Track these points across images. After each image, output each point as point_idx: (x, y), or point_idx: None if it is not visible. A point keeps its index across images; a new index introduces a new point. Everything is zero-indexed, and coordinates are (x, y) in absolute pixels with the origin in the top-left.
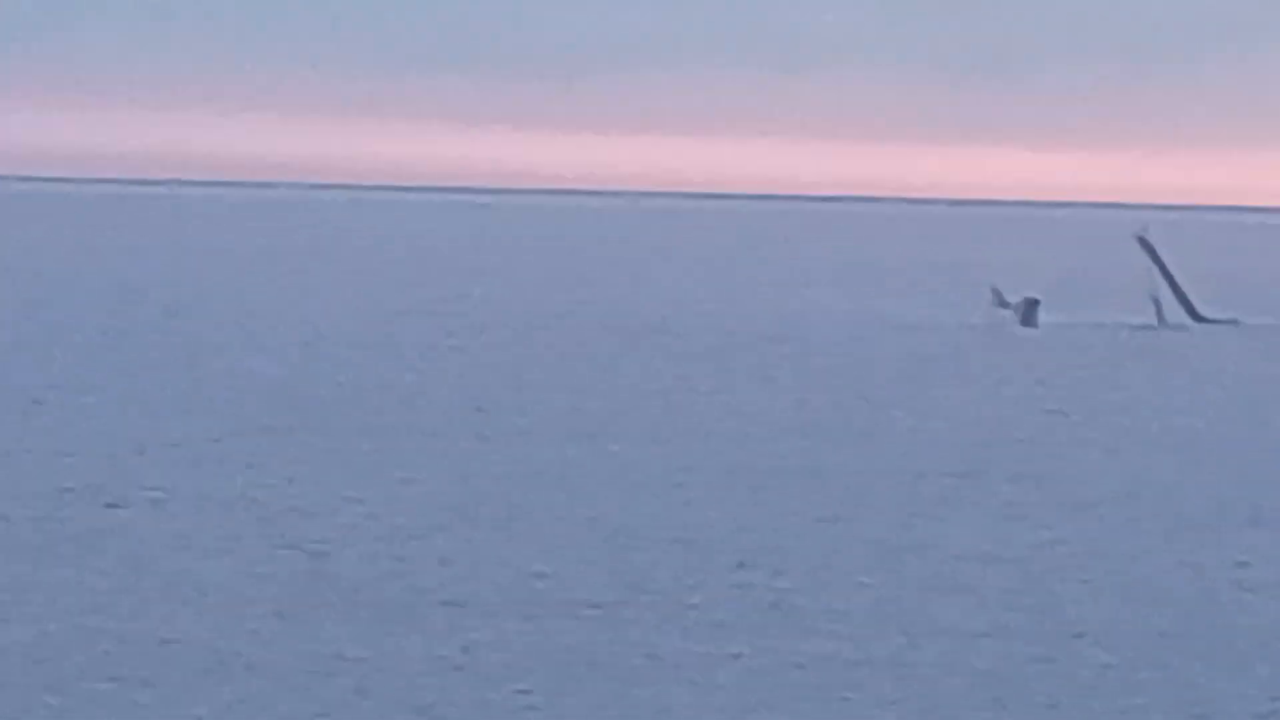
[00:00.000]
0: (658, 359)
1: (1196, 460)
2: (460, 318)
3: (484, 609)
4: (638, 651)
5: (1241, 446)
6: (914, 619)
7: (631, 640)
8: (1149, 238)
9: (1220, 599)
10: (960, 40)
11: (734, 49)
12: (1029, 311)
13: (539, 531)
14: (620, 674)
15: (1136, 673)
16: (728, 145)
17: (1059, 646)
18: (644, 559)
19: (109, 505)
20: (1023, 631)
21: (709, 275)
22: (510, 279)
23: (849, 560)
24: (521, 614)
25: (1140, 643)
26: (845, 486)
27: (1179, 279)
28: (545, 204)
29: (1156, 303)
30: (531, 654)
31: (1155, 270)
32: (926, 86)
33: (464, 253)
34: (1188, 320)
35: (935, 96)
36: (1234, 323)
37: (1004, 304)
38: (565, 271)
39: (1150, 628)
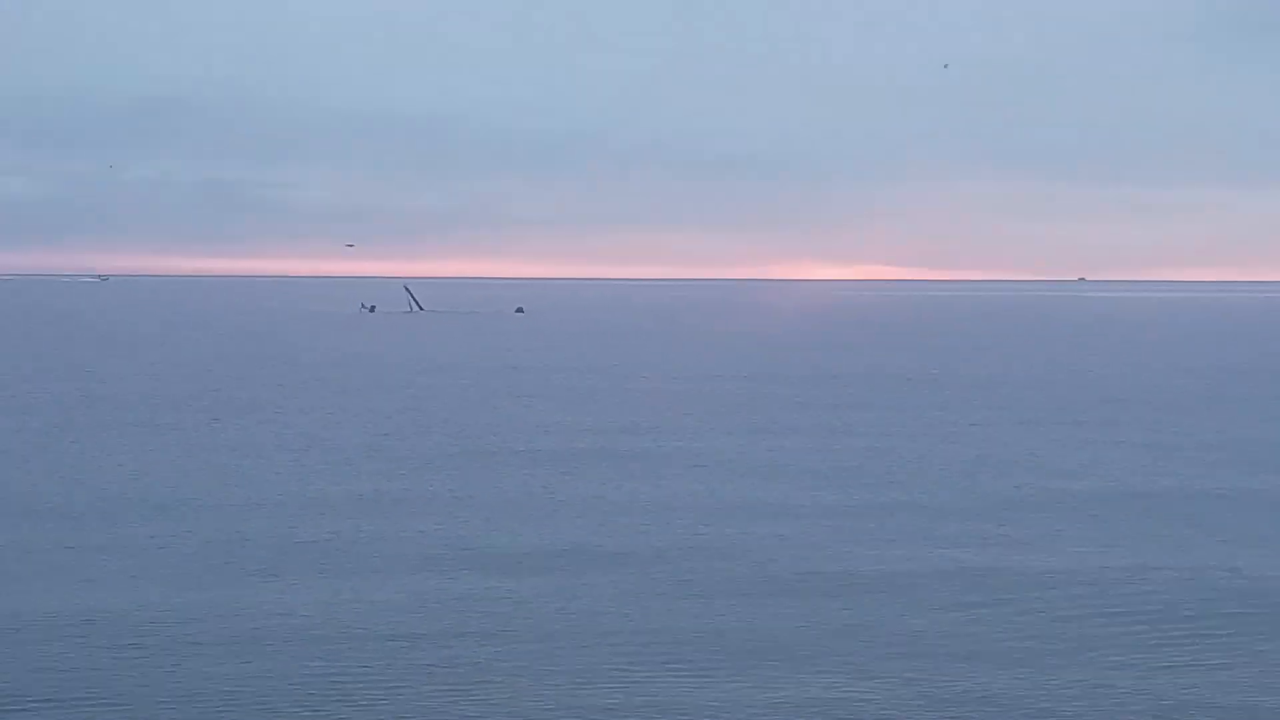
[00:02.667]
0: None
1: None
2: None
3: None
4: None
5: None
6: None
7: None
8: (408, 286)
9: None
10: None
11: None
12: (371, 309)
13: None
14: None
15: None
16: None
17: None
18: None
19: None
20: None
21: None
22: None
23: None
24: None
25: None
26: None
27: (416, 296)
28: None
29: (409, 306)
30: None
31: (409, 294)
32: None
33: None
34: (420, 310)
35: None
36: (447, 312)
37: (365, 307)
38: None
39: None
